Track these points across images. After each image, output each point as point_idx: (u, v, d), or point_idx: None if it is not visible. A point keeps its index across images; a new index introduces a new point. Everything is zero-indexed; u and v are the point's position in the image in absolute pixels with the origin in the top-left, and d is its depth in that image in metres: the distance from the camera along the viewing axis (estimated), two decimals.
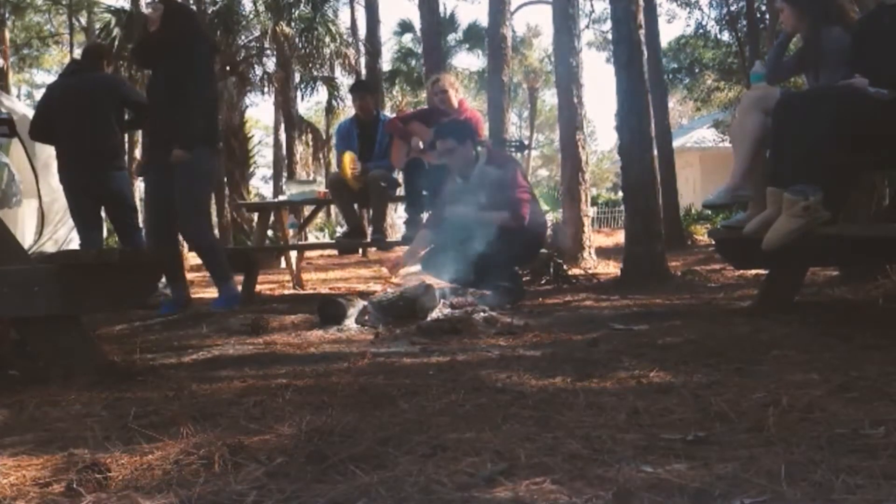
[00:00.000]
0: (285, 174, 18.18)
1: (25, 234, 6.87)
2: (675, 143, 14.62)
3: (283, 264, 7.09)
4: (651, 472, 1.21)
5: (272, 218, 6.47)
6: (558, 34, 7.86)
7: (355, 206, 5.70)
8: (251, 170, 18.34)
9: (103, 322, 3.72)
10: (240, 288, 5.50)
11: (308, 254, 9.95)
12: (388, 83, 22.55)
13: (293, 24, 16.81)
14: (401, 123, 5.29)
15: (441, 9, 14.73)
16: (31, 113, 7.33)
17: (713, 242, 4.55)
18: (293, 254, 6.63)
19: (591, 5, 22.44)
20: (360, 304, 3.50)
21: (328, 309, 3.40)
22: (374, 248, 6.38)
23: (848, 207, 3.63)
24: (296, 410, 1.73)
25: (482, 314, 3.41)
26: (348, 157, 5.20)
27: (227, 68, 15.56)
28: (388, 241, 5.90)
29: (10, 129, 6.63)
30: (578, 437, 1.42)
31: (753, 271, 4.77)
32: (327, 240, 16.44)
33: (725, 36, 16.96)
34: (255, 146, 19.44)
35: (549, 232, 6.07)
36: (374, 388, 1.95)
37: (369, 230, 5.73)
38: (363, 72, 17.97)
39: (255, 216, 7.19)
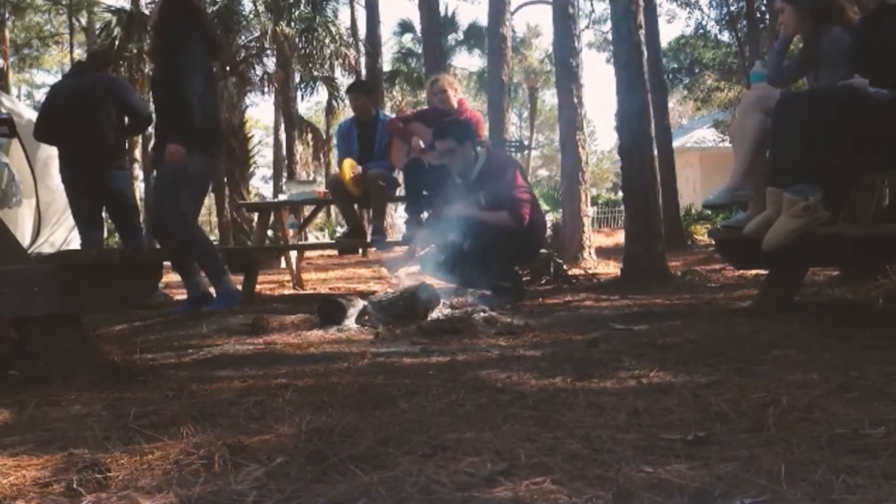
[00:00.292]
0: (285, 174, 18.19)
1: (25, 235, 6.87)
2: (675, 143, 14.62)
3: (283, 264, 7.08)
4: (651, 472, 1.21)
5: (272, 218, 6.47)
6: (558, 34, 7.86)
7: (355, 206, 5.70)
8: (251, 170, 18.35)
9: (103, 322, 3.72)
10: (240, 287, 5.52)
11: (308, 254, 9.95)
12: (388, 83, 22.55)
13: (293, 24, 16.82)
14: (401, 123, 5.29)
15: (441, 9, 14.73)
16: (34, 116, 7.36)
17: (713, 242, 4.55)
18: (293, 254, 6.63)
19: (591, 5, 22.47)
20: (360, 304, 3.50)
21: (328, 309, 3.40)
22: (374, 248, 6.38)
23: (848, 207, 3.62)
24: (296, 410, 1.73)
25: (482, 314, 3.41)
26: (347, 163, 5.20)
27: (227, 68, 15.57)
28: (388, 241, 5.90)
29: (10, 129, 6.64)
30: (578, 437, 1.42)
31: (753, 271, 4.77)
32: (327, 240, 16.43)
33: (725, 36, 16.99)
34: (255, 146, 19.46)
35: (548, 232, 6.07)
36: (374, 388, 1.96)
37: (369, 230, 5.73)
38: (363, 72, 17.97)
39: (255, 216, 7.19)
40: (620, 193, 9.16)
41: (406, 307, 3.43)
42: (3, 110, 6.84)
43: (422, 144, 4.99)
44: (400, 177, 5.52)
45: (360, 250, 11.17)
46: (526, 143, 21.36)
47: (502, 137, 8.93)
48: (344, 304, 3.41)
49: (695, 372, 2.04)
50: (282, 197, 6.78)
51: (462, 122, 4.66)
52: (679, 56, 19.36)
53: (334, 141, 7.70)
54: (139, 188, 19.24)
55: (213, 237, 23.14)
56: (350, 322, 3.35)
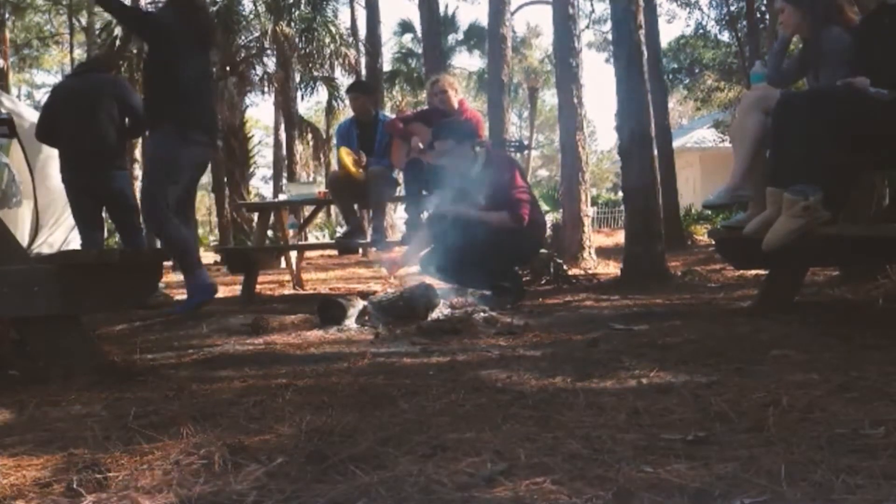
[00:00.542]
0: (285, 174, 18.20)
1: (24, 235, 6.87)
2: (675, 143, 14.62)
3: (283, 264, 7.08)
4: (651, 472, 1.21)
5: (272, 218, 6.47)
6: (558, 34, 7.86)
7: (355, 206, 5.70)
8: (251, 170, 18.34)
9: (103, 322, 3.72)
10: (239, 288, 5.52)
11: (308, 254, 9.95)
12: (388, 83, 22.55)
13: (293, 24, 16.82)
14: (401, 124, 5.29)
15: (441, 9, 14.74)
16: (34, 116, 7.36)
17: (713, 242, 4.55)
18: (293, 254, 6.63)
19: (591, 5, 22.44)
20: (360, 304, 3.50)
21: (328, 309, 3.40)
22: (374, 248, 6.37)
23: (848, 207, 3.62)
24: (296, 410, 1.73)
25: (482, 314, 3.41)
26: (344, 151, 5.21)
27: (227, 68, 15.57)
28: (388, 241, 5.90)
29: (10, 129, 6.64)
30: (578, 437, 1.42)
31: (753, 271, 4.77)
32: (327, 240, 16.43)
33: (725, 36, 16.99)
34: (255, 146, 19.46)
35: (548, 232, 6.07)
36: (374, 388, 1.96)
37: (369, 230, 5.73)
38: (363, 72, 17.97)
39: (255, 216, 7.19)
40: (620, 193, 9.16)
41: (406, 307, 3.43)
42: (3, 110, 6.84)
43: (421, 145, 4.99)
44: (400, 177, 5.52)
45: (360, 250, 11.17)
46: (526, 143, 21.35)
47: (502, 137, 8.92)
48: (344, 304, 3.41)
49: (695, 372, 2.04)
50: (282, 197, 6.78)
51: (461, 123, 4.65)
52: (679, 56, 19.37)
53: (334, 141, 7.69)
54: (139, 188, 19.20)
55: (213, 237, 23.16)
56: (350, 322, 3.35)
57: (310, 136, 19.81)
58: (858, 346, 2.33)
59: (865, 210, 4.17)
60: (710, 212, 11.79)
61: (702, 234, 12.33)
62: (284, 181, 17.43)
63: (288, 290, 6.27)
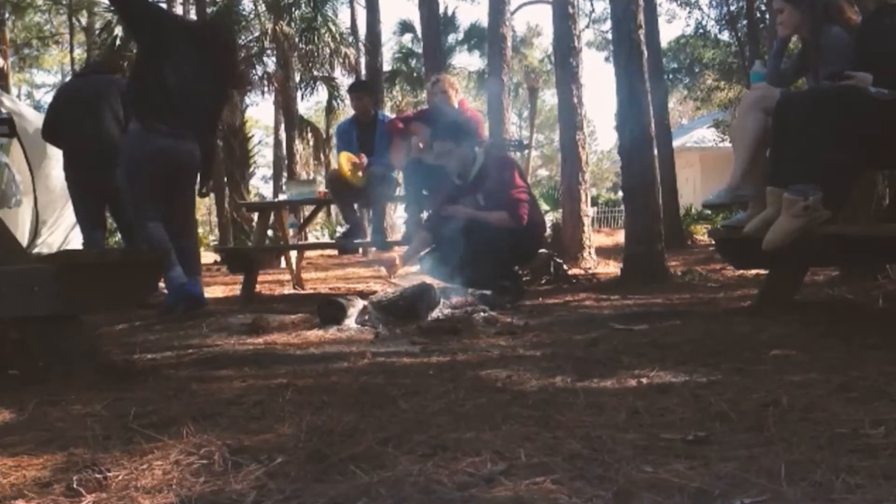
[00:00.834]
0: (285, 174, 18.19)
1: (24, 235, 6.87)
2: (675, 143, 14.61)
3: (283, 264, 7.08)
4: (651, 471, 1.21)
5: (272, 218, 6.47)
6: (558, 34, 7.86)
7: (355, 205, 5.70)
8: (251, 170, 18.35)
9: (103, 322, 3.72)
10: (239, 288, 5.52)
11: (308, 254, 9.95)
12: (388, 83, 22.53)
13: (293, 24, 16.82)
14: (401, 124, 5.29)
15: (441, 9, 14.74)
16: (34, 116, 7.37)
17: (713, 242, 4.55)
18: (293, 254, 6.63)
19: (591, 5, 22.48)
20: (360, 304, 3.50)
21: (328, 309, 3.40)
22: (374, 248, 6.37)
23: (848, 207, 3.62)
24: (296, 410, 1.73)
25: (482, 314, 3.41)
26: (344, 157, 5.20)
27: None
28: (388, 241, 5.90)
29: (10, 129, 6.65)
30: (578, 437, 1.42)
31: (753, 271, 4.77)
32: (327, 240, 16.43)
33: (725, 36, 16.98)
34: (255, 146, 19.46)
35: (548, 232, 6.06)
36: (374, 388, 1.96)
37: (369, 230, 5.73)
38: (363, 72, 17.97)
39: (255, 216, 7.19)
40: (620, 193, 9.16)
41: (406, 307, 3.43)
42: (4, 110, 6.85)
43: (421, 145, 4.99)
44: (400, 177, 5.52)
45: (360, 250, 11.17)
46: (526, 143, 21.35)
47: (502, 137, 8.93)
48: (344, 304, 3.41)
49: (695, 372, 2.04)
50: (282, 197, 6.78)
51: (460, 123, 4.66)
52: (679, 56, 19.37)
53: (334, 141, 7.69)
54: None
55: (213, 237, 23.15)
56: (350, 322, 3.35)
57: (310, 135, 19.81)
58: (858, 346, 2.33)
59: (865, 210, 4.17)
60: (710, 212, 11.79)
61: (702, 234, 12.33)
62: (284, 181, 17.42)
63: (288, 290, 6.27)
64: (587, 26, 21.15)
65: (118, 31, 15.16)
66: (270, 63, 17.09)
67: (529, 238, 4.49)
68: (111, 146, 4.64)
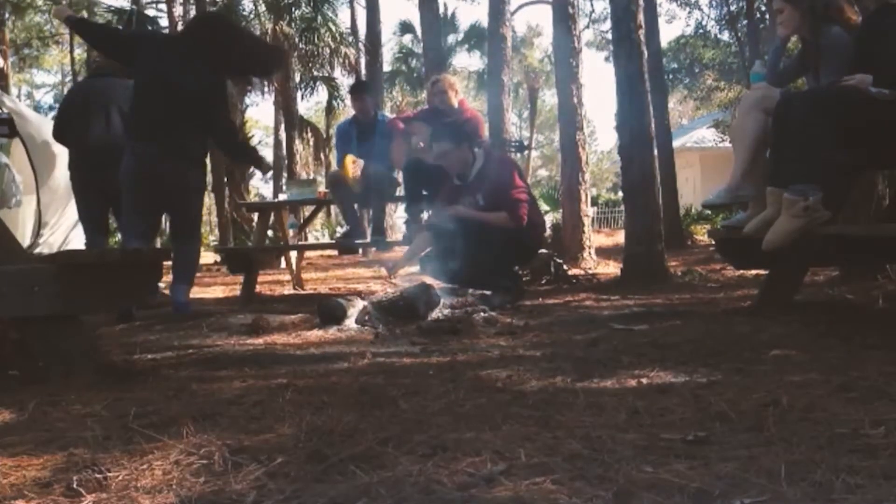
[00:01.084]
0: (285, 174, 18.19)
1: (25, 235, 6.87)
2: (675, 143, 14.61)
3: (283, 264, 7.08)
4: (651, 472, 1.21)
5: (272, 218, 6.47)
6: (558, 34, 7.86)
7: (355, 205, 5.70)
8: (251, 170, 18.33)
9: (103, 322, 3.72)
10: (239, 288, 5.52)
11: (308, 254, 9.95)
12: (388, 83, 22.55)
13: (293, 24, 16.83)
14: (401, 123, 5.29)
15: (441, 9, 14.74)
16: (34, 116, 7.37)
17: (713, 242, 4.55)
18: (293, 254, 6.63)
19: (591, 5, 22.47)
20: (360, 304, 3.50)
21: (328, 309, 3.40)
22: (374, 248, 6.37)
23: (848, 207, 3.62)
24: (296, 410, 1.72)
25: (482, 314, 3.41)
26: (349, 159, 5.20)
27: None
28: (388, 241, 5.90)
29: (10, 128, 6.64)
30: (578, 437, 1.42)
31: (753, 271, 4.77)
32: (327, 240, 16.43)
33: (725, 36, 16.99)
34: (255, 146, 19.44)
35: (548, 232, 6.06)
36: (374, 388, 1.95)
37: (369, 230, 5.73)
38: (363, 72, 17.97)
39: (255, 216, 7.19)
40: (620, 193, 9.16)
41: (406, 307, 3.43)
42: (4, 110, 6.85)
43: (422, 144, 4.99)
44: (400, 177, 5.52)
45: (360, 250, 11.17)
46: (526, 143, 21.36)
47: (502, 138, 8.92)
48: (344, 304, 3.41)
49: (695, 372, 2.04)
50: (282, 197, 6.77)
51: (459, 124, 4.66)
52: (679, 56, 19.37)
53: (334, 141, 7.69)
54: None
55: (213, 237, 23.14)
56: (350, 322, 3.35)
57: (310, 135, 19.81)
58: (858, 346, 2.33)
59: (865, 210, 4.17)
60: (710, 212, 11.79)
61: (702, 234, 12.32)
62: (284, 181, 17.41)
63: (288, 290, 6.27)
64: (587, 26, 21.13)
65: None
66: None
67: (529, 238, 4.49)
68: (116, 147, 4.64)
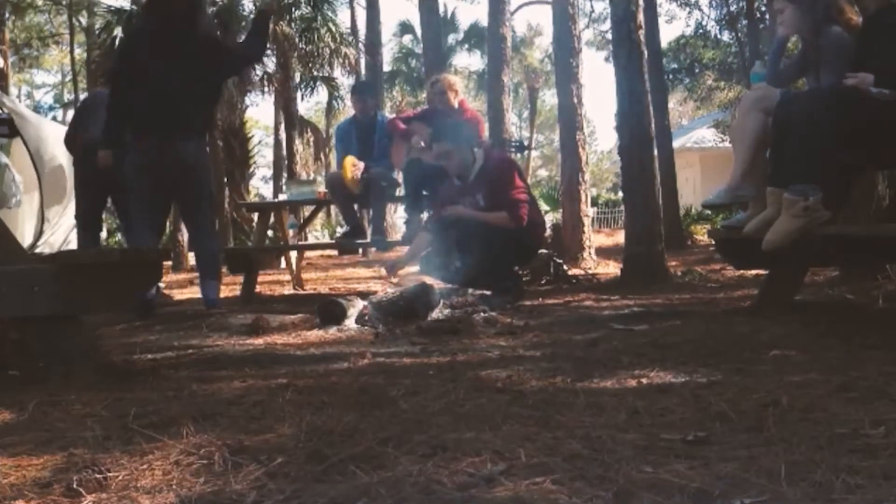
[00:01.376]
0: (285, 174, 18.19)
1: (25, 235, 6.88)
2: (675, 143, 14.61)
3: (283, 264, 7.08)
4: (651, 472, 1.21)
5: (272, 218, 6.47)
6: (558, 34, 7.87)
7: (355, 206, 5.70)
8: (251, 170, 18.35)
9: (103, 322, 3.72)
10: (239, 288, 5.52)
11: (308, 254, 9.95)
12: (388, 83, 22.55)
13: (293, 24, 16.82)
14: (401, 123, 5.29)
15: (441, 9, 14.74)
16: (34, 117, 7.37)
17: (713, 242, 4.55)
18: (293, 254, 6.63)
19: (591, 5, 22.43)
20: (360, 304, 3.50)
21: (328, 309, 3.40)
22: (374, 248, 6.37)
23: (848, 207, 3.62)
24: (296, 410, 1.72)
25: (482, 314, 3.41)
26: (349, 161, 5.20)
27: None
28: (388, 241, 5.90)
29: (10, 128, 6.65)
30: (578, 437, 1.42)
31: (753, 271, 4.77)
32: (327, 240, 16.43)
33: (725, 36, 16.97)
34: (255, 146, 19.45)
35: (548, 232, 6.06)
36: (374, 388, 1.95)
37: (369, 230, 5.73)
38: (363, 72, 17.97)
39: (255, 216, 7.19)
40: (620, 193, 9.16)
41: (406, 307, 3.43)
42: (4, 110, 6.85)
43: (422, 143, 4.99)
44: (400, 177, 5.52)
45: (360, 250, 11.17)
46: (526, 143, 21.35)
47: (502, 138, 8.93)
48: (344, 304, 3.41)
49: (695, 372, 2.04)
50: (282, 197, 6.78)
51: (458, 125, 4.66)
52: (679, 56, 19.34)
53: (333, 141, 7.70)
54: None
55: None
56: (350, 322, 3.35)
57: (310, 135, 19.81)
58: (858, 346, 2.33)
59: (865, 210, 4.17)
60: (710, 212, 11.79)
61: (702, 234, 12.32)
62: (284, 181, 17.42)
63: (288, 290, 6.27)
64: (587, 26, 21.11)
65: (118, 31, 15.15)
66: (270, 63, 17.08)
67: (529, 238, 4.49)
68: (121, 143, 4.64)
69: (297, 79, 18.19)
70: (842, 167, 2.85)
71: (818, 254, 3.25)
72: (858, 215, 4.04)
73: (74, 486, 1.23)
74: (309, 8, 17.16)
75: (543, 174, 42.42)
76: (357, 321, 3.37)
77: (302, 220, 8.80)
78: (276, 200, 7.61)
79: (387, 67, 22.92)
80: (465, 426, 1.54)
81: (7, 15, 20.88)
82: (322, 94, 20.72)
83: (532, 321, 3.36)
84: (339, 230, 14.24)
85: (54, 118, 24.35)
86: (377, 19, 17.84)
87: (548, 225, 6.85)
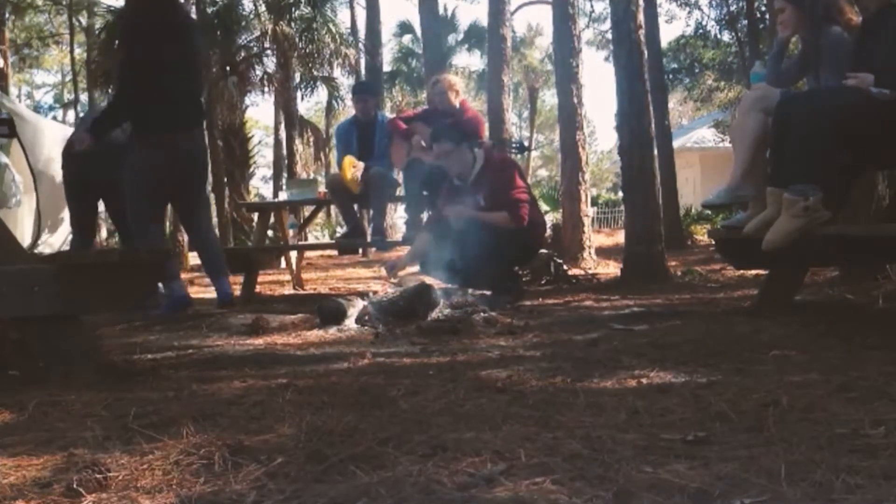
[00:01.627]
0: (285, 174, 18.19)
1: (25, 235, 6.88)
2: (675, 143, 14.61)
3: (283, 264, 7.09)
4: (651, 472, 1.21)
5: (272, 218, 6.47)
6: (558, 34, 7.87)
7: (355, 206, 5.70)
8: (251, 170, 18.33)
9: (103, 322, 3.72)
10: (239, 288, 5.52)
11: (308, 254, 9.95)
12: (388, 83, 22.54)
13: (293, 24, 16.81)
14: (402, 123, 5.29)
15: (441, 9, 14.74)
16: (34, 117, 7.37)
17: (713, 242, 4.55)
18: (293, 254, 6.63)
19: (591, 5, 22.37)
20: (360, 304, 3.50)
21: (328, 309, 3.40)
22: (374, 248, 6.37)
23: (848, 207, 3.62)
24: (296, 410, 1.72)
25: (482, 314, 3.41)
26: (348, 161, 5.20)
27: (227, 68, 15.57)
28: (388, 241, 5.90)
29: (10, 129, 6.65)
30: (578, 437, 1.42)
31: (753, 271, 4.77)
32: (327, 240, 16.43)
33: (725, 36, 16.96)
34: (255, 146, 19.43)
35: (548, 232, 6.06)
36: (374, 388, 1.95)
37: (369, 230, 5.73)
38: (363, 72, 17.97)
39: (255, 216, 7.19)
40: (620, 193, 9.16)
41: (406, 307, 3.43)
42: (4, 111, 6.85)
43: (423, 143, 4.99)
44: (400, 177, 5.52)
45: (360, 250, 11.18)
46: (526, 144, 21.34)
47: (502, 138, 8.93)
48: (344, 304, 3.41)
49: (695, 372, 2.04)
50: (282, 197, 6.78)
51: (458, 125, 4.66)
52: (679, 56, 19.33)
53: (334, 141, 7.70)
54: None
55: None
56: (350, 322, 3.35)
57: (310, 135, 19.80)
58: (858, 346, 2.33)
59: (865, 210, 4.17)
60: (710, 212, 11.79)
61: (702, 234, 12.32)
62: (284, 181, 17.41)
63: (288, 290, 6.27)
64: (587, 26, 21.10)
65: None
66: (270, 63, 17.08)
67: (530, 238, 4.49)
68: (110, 144, 4.62)
69: (297, 79, 18.19)
70: (842, 167, 2.84)
71: (818, 254, 3.25)
72: (858, 215, 4.04)
73: (74, 486, 1.23)
74: (309, 8, 17.15)
75: (543, 174, 42.41)
76: (357, 321, 3.37)
77: (302, 220, 8.80)
78: (276, 200, 7.61)
79: (387, 67, 22.92)
80: (465, 426, 1.54)
81: (7, 15, 20.88)
82: (322, 94, 20.73)
83: (532, 321, 3.36)
84: (339, 230, 14.24)
85: (54, 118, 24.36)
86: (377, 19, 17.84)
87: (548, 225, 6.85)
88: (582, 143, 7.92)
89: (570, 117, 7.91)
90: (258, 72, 16.94)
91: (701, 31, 17.16)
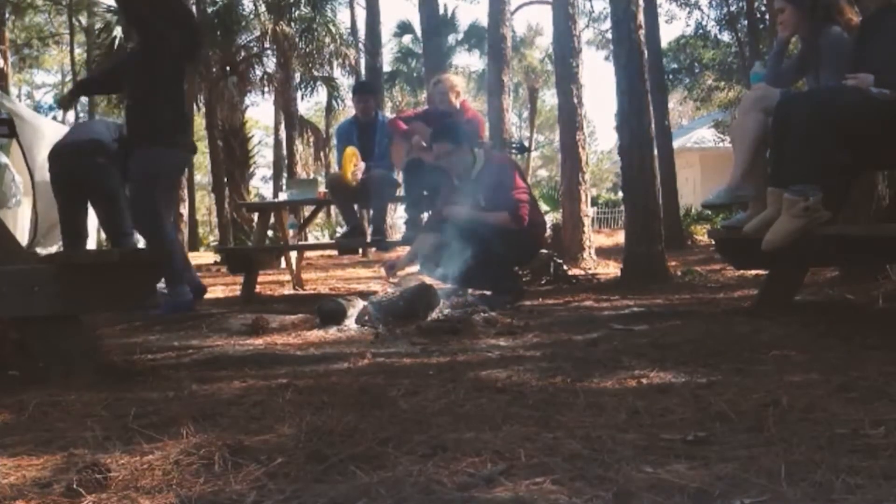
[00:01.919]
0: (285, 174, 18.20)
1: (25, 235, 6.87)
2: (675, 143, 14.61)
3: (283, 264, 7.08)
4: (651, 472, 1.21)
5: (272, 218, 6.47)
6: (558, 34, 7.87)
7: (355, 206, 5.70)
8: (251, 170, 18.35)
9: (103, 322, 3.72)
10: (239, 288, 5.52)
11: (308, 254, 9.95)
12: (388, 83, 22.55)
13: (293, 24, 16.83)
14: (402, 123, 5.29)
15: (441, 9, 14.74)
16: (33, 117, 7.36)
17: (713, 242, 4.55)
18: (293, 254, 6.63)
19: (591, 5, 22.40)
20: (360, 304, 3.50)
21: (328, 309, 3.40)
22: (374, 248, 6.37)
23: (848, 207, 3.62)
24: (296, 410, 1.72)
25: (482, 314, 3.41)
26: (350, 150, 5.19)
27: (227, 68, 15.58)
28: (388, 241, 5.90)
29: (10, 129, 6.64)
30: (578, 437, 1.42)
31: (753, 271, 4.77)
32: (327, 240, 16.43)
33: (725, 36, 16.97)
34: (255, 146, 19.45)
35: (548, 232, 6.06)
36: (374, 388, 1.95)
37: (369, 230, 5.73)
38: (363, 72, 17.97)
39: (255, 216, 7.19)
40: (620, 193, 9.16)
41: (406, 307, 3.43)
42: (4, 111, 6.84)
43: (423, 143, 4.99)
44: (400, 177, 5.52)
45: (360, 250, 11.17)
46: (527, 144, 21.33)
47: (502, 138, 8.93)
48: (344, 304, 3.41)
49: (695, 372, 2.04)
50: (282, 197, 6.77)
51: (458, 125, 4.66)
52: (679, 56, 19.34)
53: (334, 141, 7.70)
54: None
55: (213, 237, 23.15)
56: (350, 322, 3.35)
57: (310, 135, 19.81)
58: (858, 346, 2.33)
59: (865, 210, 4.17)
60: (710, 212, 11.79)
61: (702, 234, 12.32)
62: (284, 181, 17.42)
63: (288, 290, 6.27)
64: (587, 26, 21.12)
65: (118, 31, 15.16)
66: (270, 63, 17.09)
67: (530, 238, 4.49)
68: (95, 145, 4.60)
69: (297, 79, 18.21)
70: (842, 167, 2.84)
71: (818, 254, 3.25)
72: (858, 215, 4.04)
73: (74, 486, 1.23)
74: (309, 8, 17.16)
75: (543, 174, 42.43)
76: (357, 321, 3.37)
77: (302, 220, 8.80)
78: (276, 200, 7.61)
79: (387, 67, 22.92)
80: (465, 426, 1.54)
81: (7, 15, 20.89)
82: (322, 94, 20.77)
83: (532, 321, 3.36)
84: (339, 230, 14.24)
85: (54, 118, 24.32)
86: (377, 19, 17.82)
87: (548, 225, 6.85)
88: (582, 143, 7.92)
89: (570, 117, 7.91)
90: (258, 72, 16.98)
91: (701, 31, 17.18)
